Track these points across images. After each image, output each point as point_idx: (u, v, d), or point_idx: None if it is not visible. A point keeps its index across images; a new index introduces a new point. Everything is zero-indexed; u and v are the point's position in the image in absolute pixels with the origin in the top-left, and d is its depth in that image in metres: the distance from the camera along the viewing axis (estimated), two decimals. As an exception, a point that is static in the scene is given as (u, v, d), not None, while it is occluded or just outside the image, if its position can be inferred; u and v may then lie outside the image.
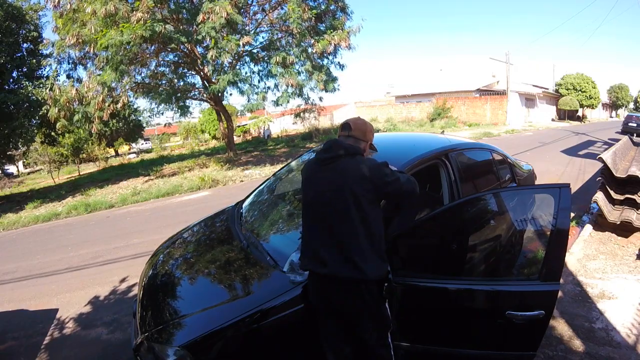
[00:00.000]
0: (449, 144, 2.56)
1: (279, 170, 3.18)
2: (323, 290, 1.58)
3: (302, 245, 1.68)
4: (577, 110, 33.00)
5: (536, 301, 1.57)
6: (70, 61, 10.30)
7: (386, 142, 2.98)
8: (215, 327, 1.57)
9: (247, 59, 11.78)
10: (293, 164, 3.09)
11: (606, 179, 4.14)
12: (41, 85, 10.29)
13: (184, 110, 11.76)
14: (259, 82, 12.37)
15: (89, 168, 20.10)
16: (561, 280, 2.65)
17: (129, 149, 29.81)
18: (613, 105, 44.46)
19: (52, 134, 12.82)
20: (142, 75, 10.94)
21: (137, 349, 1.74)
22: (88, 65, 10.17)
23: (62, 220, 7.27)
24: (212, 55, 8.77)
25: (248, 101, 10.90)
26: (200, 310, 1.74)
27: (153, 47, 10.01)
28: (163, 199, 8.20)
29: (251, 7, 11.23)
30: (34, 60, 10.66)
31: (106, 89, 8.92)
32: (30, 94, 10.12)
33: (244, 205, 2.82)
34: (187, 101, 12.48)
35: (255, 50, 11.50)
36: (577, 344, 2.38)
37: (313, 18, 9.73)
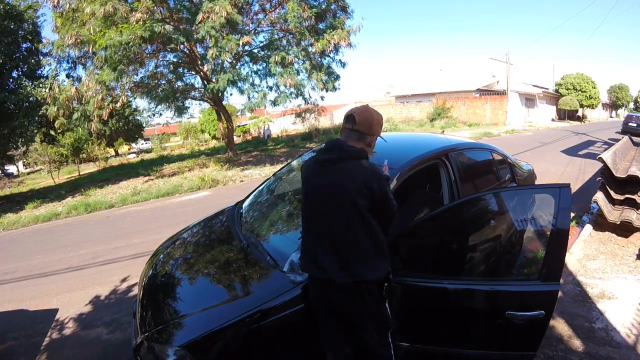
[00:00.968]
0: (449, 144, 2.56)
1: (278, 171, 3.18)
2: (322, 291, 1.58)
3: (302, 246, 1.67)
4: (577, 110, 33.00)
5: (536, 301, 1.57)
6: (69, 60, 10.30)
7: (386, 142, 2.98)
8: (215, 327, 1.57)
9: (247, 58, 11.78)
10: (293, 163, 3.09)
11: (606, 179, 4.14)
12: (40, 85, 10.29)
13: (182, 110, 11.75)
14: (260, 81, 12.39)
15: (89, 168, 20.10)
16: (561, 280, 2.65)
17: (129, 149, 29.80)
18: (613, 105, 44.45)
19: (52, 133, 12.81)
20: (142, 75, 10.94)
21: (137, 349, 1.74)
22: (88, 64, 10.17)
23: (62, 220, 7.26)
24: (212, 54, 8.77)
25: (249, 100, 10.91)
26: (200, 310, 1.74)
27: (152, 47, 10.01)
28: (163, 199, 8.20)
29: (252, 7, 11.23)
30: (33, 60, 10.65)
31: (105, 88, 8.91)
32: (29, 94, 10.11)
33: (243, 206, 2.82)
34: (186, 101, 12.52)
35: (255, 50, 11.51)
36: (577, 344, 2.38)
37: (313, 17, 9.72)
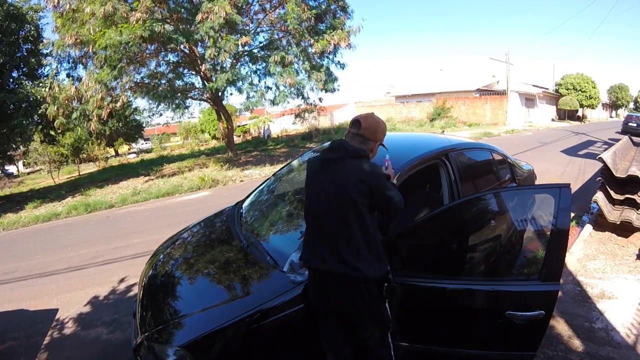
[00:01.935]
0: (449, 144, 2.56)
1: (278, 171, 3.18)
2: (323, 287, 1.58)
3: (304, 240, 1.68)
4: (577, 110, 33.01)
5: (536, 301, 1.57)
6: (70, 60, 10.30)
7: (386, 142, 2.98)
8: (215, 327, 1.57)
9: (247, 58, 11.78)
10: (293, 163, 3.09)
11: (606, 179, 4.14)
12: (40, 85, 10.29)
13: (181, 109, 11.75)
14: (259, 81, 12.39)
15: (89, 168, 20.10)
16: (561, 280, 2.65)
17: (129, 149, 29.81)
18: (613, 105, 44.46)
19: (52, 133, 12.82)
20: (142, 75, 10.94)
21: (137, 349, 1.74)
22: (88, 64, 10.18)
23: (62, 220, 7.26)
24: (210, 54, 8.77)
25: (247, 98, 10.90)
26: (200, 310, 1.74)
27: (152, 47, 10.01)
28: (163, 199, 8.20)
29: (252, 7, 11.23)
30: (33, 60, 10.65)
31: (105, 87, 8.91)
32: (29, 94, 10.12)
33: (243, 206, 2.82)
34: (187, 101, 12.51)
35: (255, 50, 11.51)
36: (577, 344, 2.38)
37: (313, 18, 9.72)
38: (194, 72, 11.94)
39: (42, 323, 3.16)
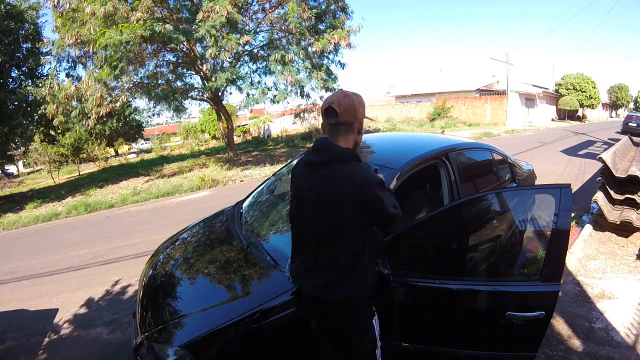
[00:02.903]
0: (449, 144, 2.56)
1: (278, 170, 3.18)
2: (307, 302, 1.55)
3: (291, 255, 1.60)
4: (577, 110, 33.02)
5: (536, 302, 1.57)
6: (69, 60, 10.31)
7: (386, 142, 2.98)
8: (216, 327, 1.56)
9: (247, 58, 11.78)
10: (293, 163, 3.09)
11: (606, 178, 4.14)
12: (40, 84, 10.29)
13: (180, 109, 11.73)
14: (259, 81, 12.39)
15: (89, 168, 20.09)
16: (561, 281, 2.65)
17: (129, 149, 29.82)
18: (613, 105, 44.47)
19: (52, 133, 12.83)
20: (141, 75, 10.94)
21: (137, 349, 1.73)
22: (88, 64, 10.18)
23: (62, 220, 7.26)
24: (210, 53, 8.75)
25: (248, 96, 10.88)
26: (201, 310, 1.74)
27: (152, 47, 10.00)
28: (163, 199, 8.20)
29: (251, 7, 11.23)
30: (32, 60, 10.65)
31: (104, 87, 8.91)
32: (29, 94, 10.12)
33: (243, 206, 2.82)
34: (186, 101, 12.53)
35: (255, 50, 11.51)
36: (577, 344, 2.38)
37: (313, 17, 9.72)
38: (193, 72, 11.95)
39: (42, 323, 3.16)
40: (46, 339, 2.92)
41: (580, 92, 31.65)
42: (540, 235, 1.81)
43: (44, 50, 10.72)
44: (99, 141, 20.84)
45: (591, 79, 32.19)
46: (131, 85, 10.34)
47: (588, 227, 4.35)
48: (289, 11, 9.24)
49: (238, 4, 9.21)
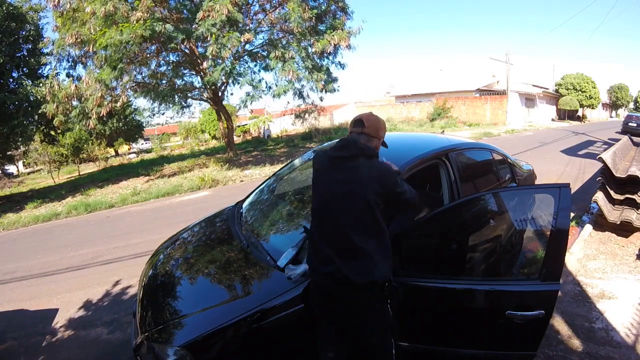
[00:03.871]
0: (449, 144, 2.56)
1: (279, 170, 3.18)
2: (327, 290, 1.55)
3: (310, 241, 1.64)
4: (577, 110, 33.00)
5: (536, 301, 1.57)
6: (70, 59, 10.31)
7: (386, 142, 2.98)
8: (216, 327, 1.56)
9: (247, 58, 11.78)
10: (294, 163, 3.09)
11: (606, 178, 4.14)
12: (40, 84, 10.30)
13: (182, 107, 11.74)
14: (259, 80, 12.36)
15: (89, 168, 20.10)
16: (561, 280, 2.66)
17: (129, 149, 29.82)
18: (613, 105, 44.45)
19: (52, 133, 12.82)
20: (142, 74, 10.94)
21: (137, 349, 1.74)
22: (88, 63, 10.18)
23: (62, 220, 7.27)
24: (212, 51, 8.74)
25: (247, 94, 10.87)
26: (201, 310, 1.74)
27: (153, 47, 10.00)
28: (163, 199, 8.20)
29: (252, 7, 11.23)
30: (33, 60, 10.65)
31: (105, 87, 8.91)
32: (29, 94, 10.12)
33: (243, 205, 2.82)
34: (187, 100, 12.51)
35: (255, 50, 11.50)
36: (577, 344, 2.38)
37: (313, 18, 9.72)
38: (194, 72, 11.94)
39: (42, 323, 3.17)
40: (46, 339, 2.92)
41: (580, 92, 31.62)
42: (539, 235, 1.81)
43: (45, 50, 10.72)
44: (99, 141, 20.86)
45: (591, 79, 32.17)
46: (132, 85, 10.34)
47: (588, 227, 4.35)
48: (290, 11, 9.24)
49: (239, 3, 9.20)
